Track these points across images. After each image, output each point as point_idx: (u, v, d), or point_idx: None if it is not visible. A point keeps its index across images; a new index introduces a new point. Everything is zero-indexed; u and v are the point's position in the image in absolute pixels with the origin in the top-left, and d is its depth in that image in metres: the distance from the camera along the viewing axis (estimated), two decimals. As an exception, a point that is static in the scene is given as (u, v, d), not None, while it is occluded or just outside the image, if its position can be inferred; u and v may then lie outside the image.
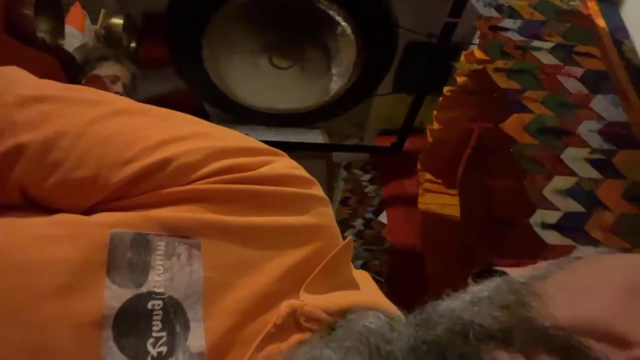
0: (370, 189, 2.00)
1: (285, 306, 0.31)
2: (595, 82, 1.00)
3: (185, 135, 0.35)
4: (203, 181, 0.33)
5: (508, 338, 0.26)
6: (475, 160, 1.28)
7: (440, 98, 1.28)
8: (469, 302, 0.29)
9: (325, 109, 1.62)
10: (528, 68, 1.00)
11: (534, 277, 0.30)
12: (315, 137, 1.69)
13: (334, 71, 1.56)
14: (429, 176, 1.42)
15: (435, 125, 1.30)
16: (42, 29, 1.25)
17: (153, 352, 0.28)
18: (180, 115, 0.38)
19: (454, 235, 1.36)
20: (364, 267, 1.71)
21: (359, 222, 2.00)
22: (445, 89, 1.26)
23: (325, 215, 0.37)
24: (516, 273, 0.32)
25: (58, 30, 1.30)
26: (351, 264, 0.38)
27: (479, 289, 0.30)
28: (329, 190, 1.97)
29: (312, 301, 0.32)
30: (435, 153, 1.36)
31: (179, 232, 0.31)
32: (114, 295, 0.29)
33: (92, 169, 0.32)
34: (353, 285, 0.37)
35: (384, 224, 1.81)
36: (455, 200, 1.40)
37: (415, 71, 1.48)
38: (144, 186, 0.32)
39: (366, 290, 0.37)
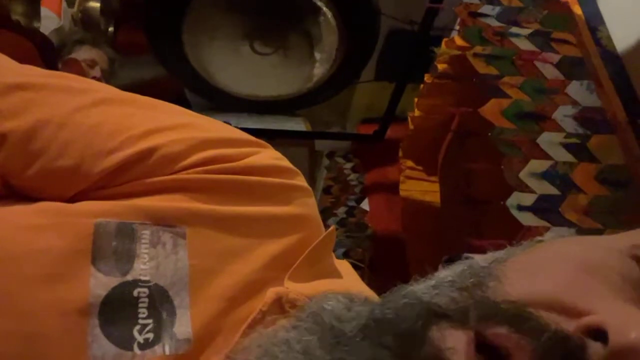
0: (352, 176, 2.00)
1: (271, 293, 0.31)
2: (571, 68, 1.02)
3: (170, 126, 0.34)
4: (187, 171, 0.33)
5: (464, 317, 0.26)
6: (455, 144, 1.30)
7: (422, 85, 1.29)
8: (432, 286, 0.30)
9: (307, 96, 1.61)
10: (506, 54, 1.02)
11: (495, 260, 0.31)
12: (297, 125, 1.68)
13: (316, 58, 1.55)
14: (410, 163, 1.44)
15: (417, 113, 1.31)
16: (17, 11, 1.22)
17: (139, 338, 0.28)
18: (165, 105, 0.37)
19: (435, 221, 1.39)
20: (346, 254, 1.72)
21: (341, 210, 2.01)
22: (427, 76, 1.27)
23: (309, 205, 0.37)
24: (481, 258, 0.33)
25: (34, 12, 1.27)
26: (332, 254, 0.38)
27: (444, 274, 0.31)
28: (311, 178, 1.97)
29: (296, 288, 0.32)
30: (417, 140, 1.37)
31: (164, 221, 0.31)
32: (99, 284, 0.29)
33: (75, 158, 0.32)
34: (335, 273, 0.38)
35: (366, 211, 1.83)
36: (436, 187, 1.42)
37: (397, 59, 1.49)
38: (128, 175, 0.32)
39: (347, 279, 0.38)
